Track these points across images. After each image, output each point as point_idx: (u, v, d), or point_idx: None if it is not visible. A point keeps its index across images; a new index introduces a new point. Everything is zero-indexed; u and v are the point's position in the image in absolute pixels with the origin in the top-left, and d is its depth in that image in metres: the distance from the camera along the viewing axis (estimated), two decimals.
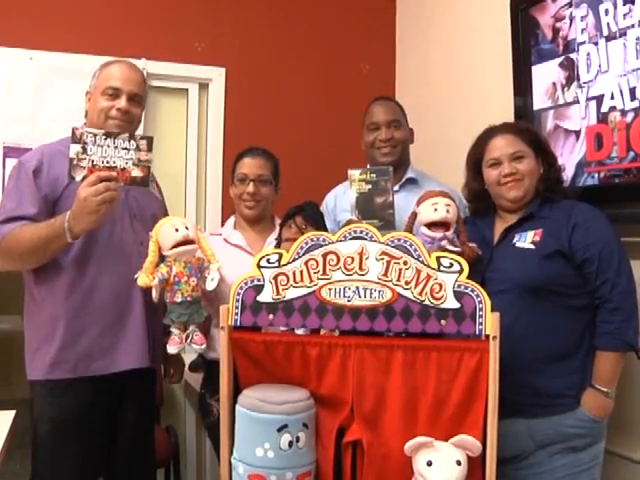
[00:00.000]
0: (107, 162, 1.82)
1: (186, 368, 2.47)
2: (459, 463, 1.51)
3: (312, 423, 1.64)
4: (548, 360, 1.85)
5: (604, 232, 1.85)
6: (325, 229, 1.94)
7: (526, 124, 2.21)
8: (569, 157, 2.28)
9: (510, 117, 2.47)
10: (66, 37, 3.02)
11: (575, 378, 1.85)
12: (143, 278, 1.82)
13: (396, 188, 2.29)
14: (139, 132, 2.18)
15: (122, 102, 2.03)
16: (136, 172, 1.84)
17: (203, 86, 3.37)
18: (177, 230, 1.84)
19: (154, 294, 1.82)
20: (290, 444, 1.57)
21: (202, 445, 3.12)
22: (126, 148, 1.84)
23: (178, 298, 1.84)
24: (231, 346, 1.68)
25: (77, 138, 1.81)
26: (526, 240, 1.90)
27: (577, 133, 2.27)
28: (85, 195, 1.78)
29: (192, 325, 1.88)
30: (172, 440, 2.89)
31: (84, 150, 1.81)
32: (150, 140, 1.87)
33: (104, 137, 1.82)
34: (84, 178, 1.80)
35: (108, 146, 1.82)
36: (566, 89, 2.31)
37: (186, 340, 1.87)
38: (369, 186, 1.99)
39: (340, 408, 1.66)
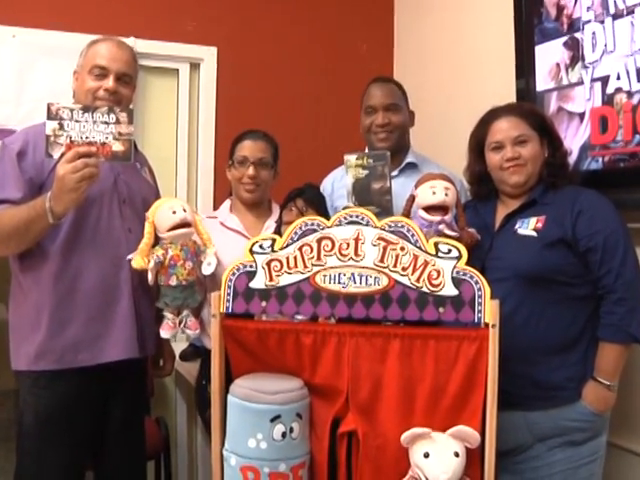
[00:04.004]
0: (86, 137, 1.82)
1: (177, 358, 2.49)
2: (457, 455, 1.52)
3: (306, 413, 1.65)
4: (548, 351, 1.86)
5: (610, 220, 1.85)
6: (326, 212, 1.95)
7: (531, 106, 2.20)
8: (573, 140, 2.28)
9: (512, 98, 2.47)
10: (51, 14, 3.00)
11: (576, 370, 1.86)
12: (138, 260, 1.83)
13: (395, 173, 2.29)
14: None
15: (109, 82, 2.03)
16: (117, 146, 1.83)
17: (194, 66, 3.36)
18: (175, 212, 1.85)
19: (150, 277, 1.84)
20: (283, 435, 1.59)
21: (193, 437, 3.15)
22: (105, 122, 1.83)
23: (173, 282, 1.85)
24: (223, 334, 1.68)
25: (53, 114, 1.80)
26: (528, 227, 1.90)
27: (581, 115, 2.27)
28: (63, 173, 1.77)
29: (186, 310, 1.91)
30: (163, 432, 2.90)
31: (61, 126, 1.80)
32: (130, 112, 1.86)
33: (81, 112, 1.82)
34: (62, 155, 1.80)
35: (86, 121, 1.82)
36: (570, 70, 2.31)
37: (179, 325, 1.89)
38: (366, 171, 1.99)
39: (335, 398, 1.67)
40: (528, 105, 2.20)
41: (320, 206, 1.96)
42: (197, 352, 2.63)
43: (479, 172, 2.05)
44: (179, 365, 2.62)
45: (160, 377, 2.59)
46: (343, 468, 1.67)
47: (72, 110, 1.81)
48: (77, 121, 1.81)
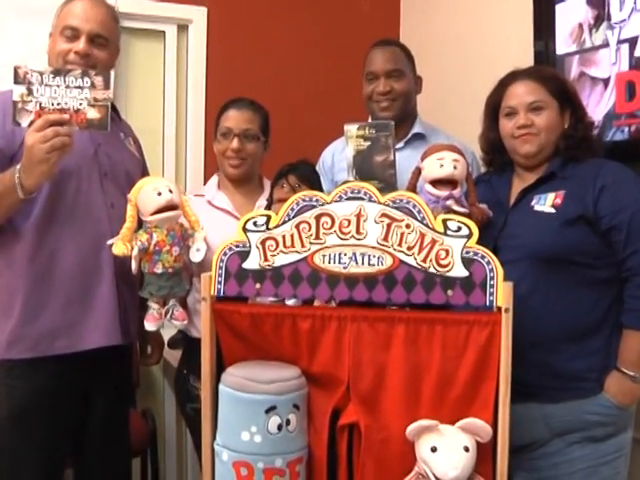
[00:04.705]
0: (57, 104, 1.80)
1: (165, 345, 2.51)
2: (467, 449, 1.53)
3: (304, 404, 1.67)
4: (567, 338, 1.86)
5: (636, 195, 1.85)
6: (321, 190, 1.94)
7: (553, 70, 2.19)
8: (596, 109, 2.28)
9: (529, 62, 2.47)
10: None
11: (597, 359, 1.87)
12: (120, 247, 1.82)
13: (400, 145, 2.30)
14: None
15: (80, 44, 2.00)
16: (92, 113, 1.82)
17: (182, 28, 3.35)
18: (160, 194, 1.83)
19: (133, 265, 1.82)
20: (279, 427, 1.60)
21: (183, 431, 3.16)
22: (79, 87, 1.81)
23: (158, 269, 1.84)
24: (214, 319, 1.70)
25: (20, 78, 1.79)
26: (546, 203, 1.90)
27: (606, 81, 2.27)
28: (32, 142, 1.76)
29: (173, 299, 1.90)
30: (149, 425, 2.94)
31: (30, 92, 1.79)
32: (107, 76, 1.84)
33: (52, 75, 1.80)
34: (32, 123, 1.79)
35: (58, 85, 1.80)
36: (594, 31, 2.30)
37: (166, 315, 1.89)
38: (368, 143, 1.99)
39: (335, 388, 1.68)
40: (550, 70, 2.18)
41: (315, 184, 1.96)
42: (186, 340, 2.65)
43: (493, 140, 2.04)
44: (167, 353, 2.63)
45: (147, 366, 2.61)
46: (344, 463, 1.68)
47: (42, 74, 1.80)
48: (48, 86, 1.80)
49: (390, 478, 1.61)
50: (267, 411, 1.60)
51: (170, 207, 1.84)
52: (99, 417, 2.14)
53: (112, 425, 2.18)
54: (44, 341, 1.98)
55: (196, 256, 1.88)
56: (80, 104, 1.81)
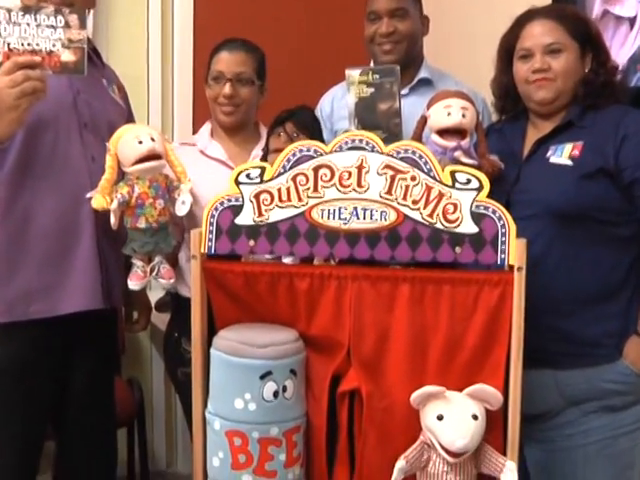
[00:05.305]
0: (28, 44, 1.79)
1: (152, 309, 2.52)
2: (475, 417, 1.56)
3: (301, 369, 1.69)
4: (584, 301, 1.87)
5: None
6: (321, 139, 1.94)
7: (573, 9, 2.15)
8: (619, 51, 2.27)
9: (548, 1, 2.44)
10: None
11: (616, 324, 1.88)
12: (99, 200, 1.82)
13: (405, 91, 2.29)
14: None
15: None
16: (67, 55, 1.80)
17: None
18: (141, 142, 1.82)
19: (113, 220, 1.82)
20: (275, 394, 1.62)
21: (172, 400, 3.20)
22: (52, 26, 1.79)
23: (142, 224, 1.85)
24: (204, 278, 1.71)
25: None
26: (562, 154, 1.89)
27: (631, 21, 2.25)
28: (0, 87, 1.75)
29: (158, 256, 1.91)
30: (136, 395, 2.97)
31: None
32: (82, 14, 1.82)
33: (21, 13, 1.78)
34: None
35: (28, 24, 1.78)
36: None
37: (151, 274, 1.90)
38: (371, 89, 1.98)
39: (334, 352, 1.70)
40: (570, 8, 2.15)
41: (314, 132, 1.95)
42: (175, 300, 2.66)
43: (507, 85, 2.02)
44: (155, 317, 2.63)
45: (134, 332, 2.62)
46: (344, 432, 1.71)
47: (9, 11, 1.78)
48: (16, 24, 1.78)
49: (393, 448, 1.63)
50: (262, 377, 1.61)
51: (153, 156, 1.83)
52: (81, 386, 2.16)
53: (95, 395, 2.20)
54: (19, 305, 1.98)
55: (181, 209, 1.88)
56: (53, 45, 1.80)
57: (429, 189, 1.62)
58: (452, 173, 1.61)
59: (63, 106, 2.02)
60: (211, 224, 1.70)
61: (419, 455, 1.60)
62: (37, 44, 1.79)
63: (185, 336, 2.20)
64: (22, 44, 1.78)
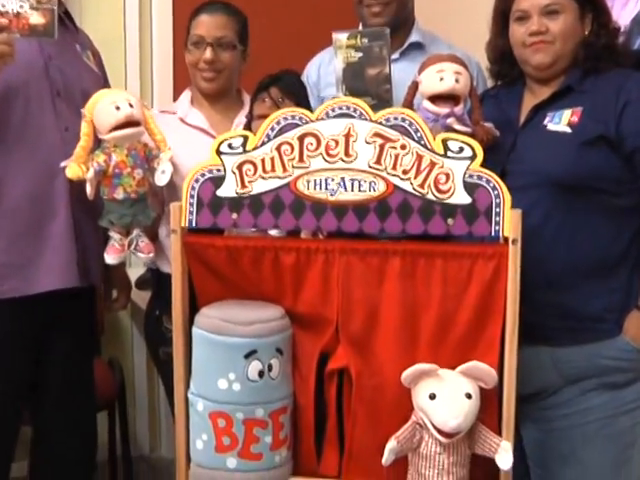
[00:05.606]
0: None
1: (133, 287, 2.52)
2: (469, 396, 1.57)
3: (287, 348, 1.70)
4: (583, 274, 1.87)
5: None
6: (308, 105, 1.94)
7: None
8: (621, 12, 2.25)
9: None
10: None
11: (617, 298, 1.88)
12: (74, 168, 1.81)
13: (396, 56, 2.27)
14: None
15: None
16: (36, 18, 1.80)
17: None
18: (118, 108, 1.82)
19: (88, 190, 1.83)
20: (261, 374, 1.63)
21: (155, 381, 3.20)
22: None
23: (119, 195, 1.85)
24: (185, 254, 1.71)
25: None
26: (561, 121, 1.89)
27: None
28: None
29: (136, 229, 1.91)
30: (117, 376, 2.97)
31: None
32: None
33: None
34: None
35: None
36: None
37: (129, 247, 1.90)
38: (360, 54, 1.98)
39: (322, 329, 1.71)
40: None
41: (300, 97, 1.95)
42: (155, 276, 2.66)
43: (502, 49, 2.01)
44: (136, 295, 2.64)
45: (113, 311, 2.63)
46: (333, 412, 1.72)
47: None
48: None
49: (384, 428, 1.64)
50: (247, 356, 1.62)
51: (131, 123, 1.83)
52: (58, 368, 2.17)
53: (73, 376, 2.21)
54: None
55: (161, 179, 1.88)
56: (21, 7, 1.79)
57: (420, 158, 1.62)
58: (444, 141, 1.61)
59: (34, 72, 2.01)
60: (192, 196, 1.69)
61: (411, 435, 1.61)
62: (3, 5, 1.79)
63: (166, 314, 2.18)
64: None
